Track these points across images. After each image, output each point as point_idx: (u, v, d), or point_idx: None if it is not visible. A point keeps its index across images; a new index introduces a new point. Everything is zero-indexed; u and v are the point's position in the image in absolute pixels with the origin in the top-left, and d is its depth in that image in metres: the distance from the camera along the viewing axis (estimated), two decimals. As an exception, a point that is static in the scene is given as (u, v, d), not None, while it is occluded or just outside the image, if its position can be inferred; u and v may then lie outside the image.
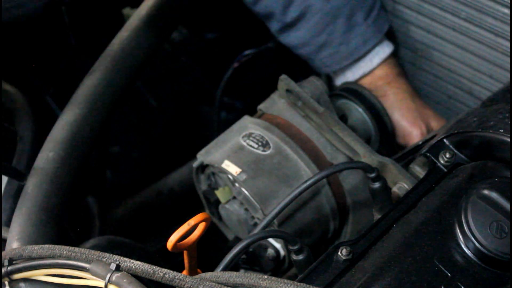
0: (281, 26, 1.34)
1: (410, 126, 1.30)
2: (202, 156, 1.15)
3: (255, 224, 1.13)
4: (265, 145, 1.12)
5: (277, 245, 1.14)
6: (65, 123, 1.12)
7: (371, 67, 1.32)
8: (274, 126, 1.14)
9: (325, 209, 1.12)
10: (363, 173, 1.10)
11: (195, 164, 1.16)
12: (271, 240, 1.14)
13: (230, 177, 1.12)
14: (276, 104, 1.18)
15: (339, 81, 1.36)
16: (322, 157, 1.13)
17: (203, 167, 1.18)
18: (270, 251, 1.14)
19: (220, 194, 1.15)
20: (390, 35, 1.40)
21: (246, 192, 1.09)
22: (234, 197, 1.14)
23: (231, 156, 1.11)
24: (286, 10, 1.31)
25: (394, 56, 1.36)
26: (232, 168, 1.09)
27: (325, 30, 1.30)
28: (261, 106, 1.19)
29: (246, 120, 1.17)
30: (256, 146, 1.12)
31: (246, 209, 1.13)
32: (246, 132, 1.14)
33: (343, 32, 1.29)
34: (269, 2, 1.30)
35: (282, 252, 1.14)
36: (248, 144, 1.12)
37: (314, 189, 1.10)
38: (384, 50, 1.32)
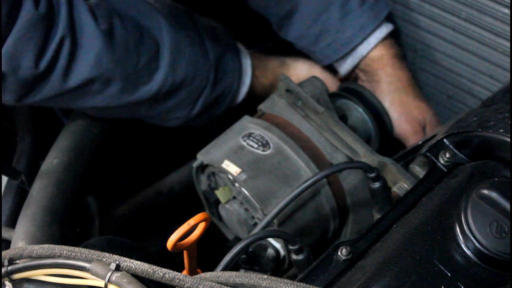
0: (278, 21, 1.34)
1: (399, 120, 1.29)
2: (202, 156, 1.15)
3: (255, 224, 1.14)
4: (265, 145, 1.11)
5: (277, 245, 1.14)
6: (69, 132, 1.19)
7: (368, 48, 1.30)
8: (274, 126, 1.14)
9: (325, 209, 1.12)
10: (363, 173, 1.10)
11: (195, 164, 1.16)
12: (271, 240, 1.14)
13: (230, 177, 1.12)
14: (276, 104, 1.18)
15: (340, 68, 1.35)
16: (322, 156, 1.13)
17: (203, 167, 1.18)
18: (270, 251, 1.14)
19: (220, 194, 1.15)
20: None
21: (246, 192, 1.09)
22: (234, 197, 1.14)
23: (231, 156, 1.11)
24: (279, 3, 1.31)
25: (394, 36, 1.33)
26: (232, 168, 1.09)
27: (320, 19, 1.29)
28: (261, 106, 1.19)
29: (246, 120, 1.17)
30: (256, 146, 1.12)
31: (246, 209, 1.13)
32: (246, 132, 1.14)
33: (338, 20, 1.28)
34: None
35: (282, 252, 1.14)
36: (248, 144, 1.12)
37: (314, 189, 1.10)
38: (382, 30, 1.30)
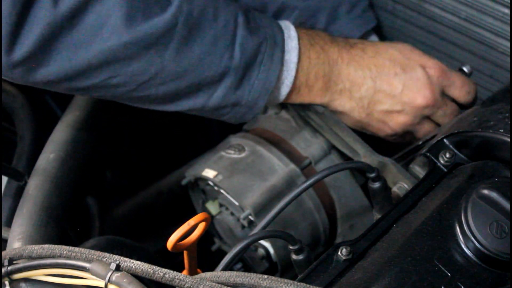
0: None
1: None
2: (187, 173, 1.20)
3: (243, 227, 1.17)
4: (241, 150, 1.17)
5: (266, 244, 1.15)
6: (66, 125, 1.14)
7: None
8: (250, 134, 1.20)
9: (305, 200, 1.14)
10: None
11: (183, 182, 1.21)
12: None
13: (211, 183, 1.16)
14: (256, 119, 1.23)
15: None
16: (295, 151, 1.17)
17: (193, 186, 1.24)
18: (260, 250, 1.16)
19: (210, 206, 1.20)
20: (389, 36, 1.39)
21: (223, 191, 1.13)
22: (221, 205, 1.18)
23: (211, 166, 1.17)
24: (264, 7, 1.29)
25: None
26: (210, 173, 1.15)
27: (307, 24, 1.27)
28: (245, 126, 1.24)
29: (229, 137, 1.23)
30: (233, 152, 1.17)
31: (232, 213, 1.17)
32: (226, 145, 1.20)
33: (325, 25, 1.26)
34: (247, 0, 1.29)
35: (271, 251, 1.15)
36: (227, 153, 1.18)
37: (289, 181, 1.13)
38: None
